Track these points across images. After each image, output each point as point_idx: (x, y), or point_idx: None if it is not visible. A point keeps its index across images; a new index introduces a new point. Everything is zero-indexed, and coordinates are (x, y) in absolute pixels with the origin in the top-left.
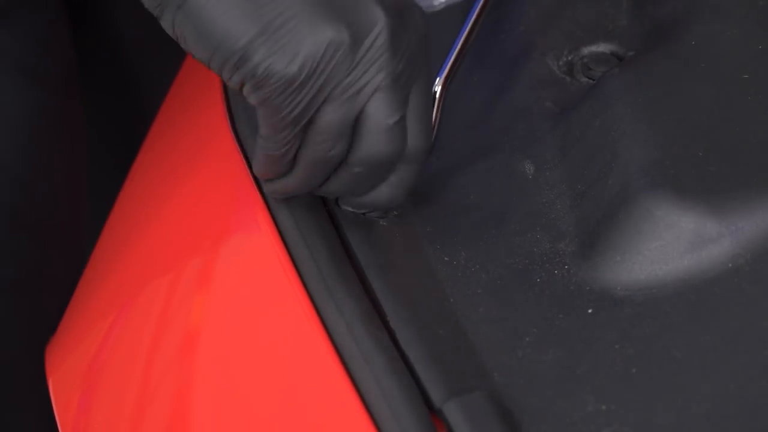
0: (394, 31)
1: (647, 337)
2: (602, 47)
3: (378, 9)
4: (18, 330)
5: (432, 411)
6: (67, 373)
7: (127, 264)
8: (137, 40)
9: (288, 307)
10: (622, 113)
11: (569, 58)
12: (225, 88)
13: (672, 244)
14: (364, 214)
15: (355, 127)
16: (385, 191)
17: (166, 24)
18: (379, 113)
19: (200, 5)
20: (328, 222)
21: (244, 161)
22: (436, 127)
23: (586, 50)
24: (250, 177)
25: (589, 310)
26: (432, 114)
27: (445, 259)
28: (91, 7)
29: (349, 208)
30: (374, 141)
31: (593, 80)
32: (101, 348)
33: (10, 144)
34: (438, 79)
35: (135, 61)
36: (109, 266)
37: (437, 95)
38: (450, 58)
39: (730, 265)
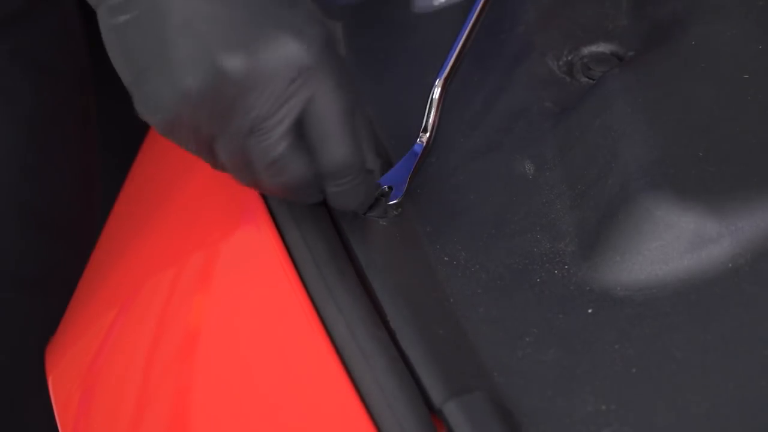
0: (240, 80)
1: (647, 337)
2: (602, 47)
3: (231, 56)
4: (30, 326)
5: (432, 411)
6: (67, 373)
7: (127, 264)
8: None
9: (288, 306)
10: (622, 113)
11: (569, 58)
12: None
13: (672, 244)
14: (364, 213)
15: None
16: (336, 199)
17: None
18: (256, 154)
19: (116, 27)
20: (328, 222)
21: None
22: (435, 128)
23: (586, 50)
24: None
25: (589, 310)
26: (345, 122)
27: (445, 259)
28: None
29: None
30: (266, 175)
31: (593, 80)
32: (101, 348)
33: (27, 141)
34: (438, 80)
35: None
36: (110, 266)
37: (436, 96)
38: (449, 60)
39: (730, 265)
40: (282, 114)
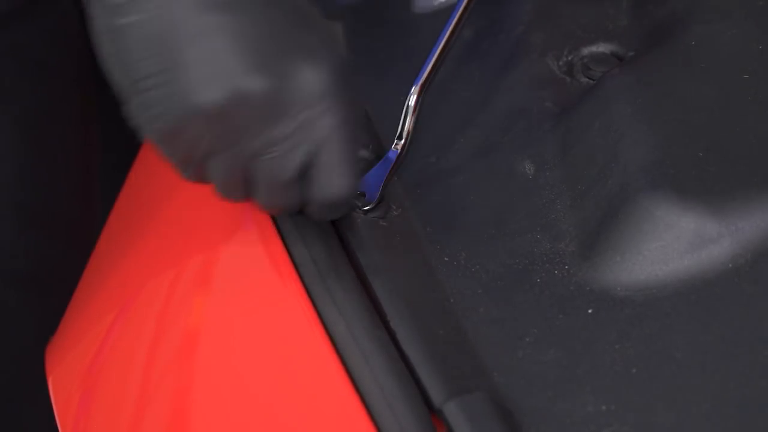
0: (260, 104)
1: (647, 337)
2: (602, 47)
3: (254, 78)
4: (29, 324)
5: (432, 411)
6: (67, 373)
7: (127, 264)
8: None
9: (288, 307)
10: (622, 113)
11: (569, 58)
12: None
13: (672, 244)
14: (365, 213)
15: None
16: (312, 216)
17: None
18: (263, 175)
19: (115, 28)
20: (327, 222)
21: None
22: (410, 135)
23: (586, 50)
24: None
25: (589, 311)
26: (350, 160)
27: (445, 259)
28: None
29: None
30: (265, 196)
31: (593, 80)
32: (101, 348)
33: (24, 139)
34: (414, 87)
35: None
36: (109, 267)
37: (412, 103)
38: (426, 67)
39: (730, 265)
40: (297, 140)
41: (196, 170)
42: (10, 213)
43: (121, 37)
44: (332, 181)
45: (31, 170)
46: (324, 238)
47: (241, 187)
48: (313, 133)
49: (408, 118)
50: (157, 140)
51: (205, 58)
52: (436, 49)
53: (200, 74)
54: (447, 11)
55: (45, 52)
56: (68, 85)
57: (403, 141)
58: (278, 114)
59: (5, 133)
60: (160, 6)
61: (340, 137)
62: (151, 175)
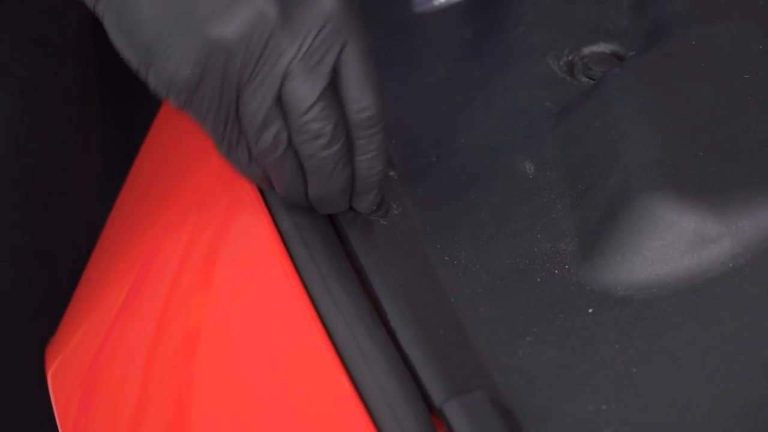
0: (284, 14)
1: (647, 336)
2: (602, 47)
3: (258, 4)
4: (24, 300)
5: (432, 411)
6: (67, 373)
7: (127, 264)
8: None
9: (288, 307)
10: (623, 113)
11: (570, 58)
12: None
13: (672, 244)
14: (369, 214)
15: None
16: (364, 161)
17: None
18: (294, 98)
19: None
20: (327, 222)
21: None
22: None
23: (587, 50)
24: None
25: (590, 310)
26: (374, 73)
27: (446, 258)
28: None
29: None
30: (298, 129)
31: (594, 80)
32: (101, 348)
33: (21, 115)
34: None
35: None
36: (109, 266)
37: None
38: None
39: (730, 265)
40: (319, 56)
41: (229, 118)
42: (8, 188)
43: (122, 11)
44: (361, 96)
45: (30, 145)
46: (324, 237)
47: (276, 125)
48: (333, 49)
49: None
50: (188, 91)
51: None
52: None
53: (207, 6)
54: (447, 11)
55: (44, 29)
56: (67, 60)
57: None
58: (296, 28)
59: (3, 108)
60: None
61: (361, 52)
62: (151, 175)
